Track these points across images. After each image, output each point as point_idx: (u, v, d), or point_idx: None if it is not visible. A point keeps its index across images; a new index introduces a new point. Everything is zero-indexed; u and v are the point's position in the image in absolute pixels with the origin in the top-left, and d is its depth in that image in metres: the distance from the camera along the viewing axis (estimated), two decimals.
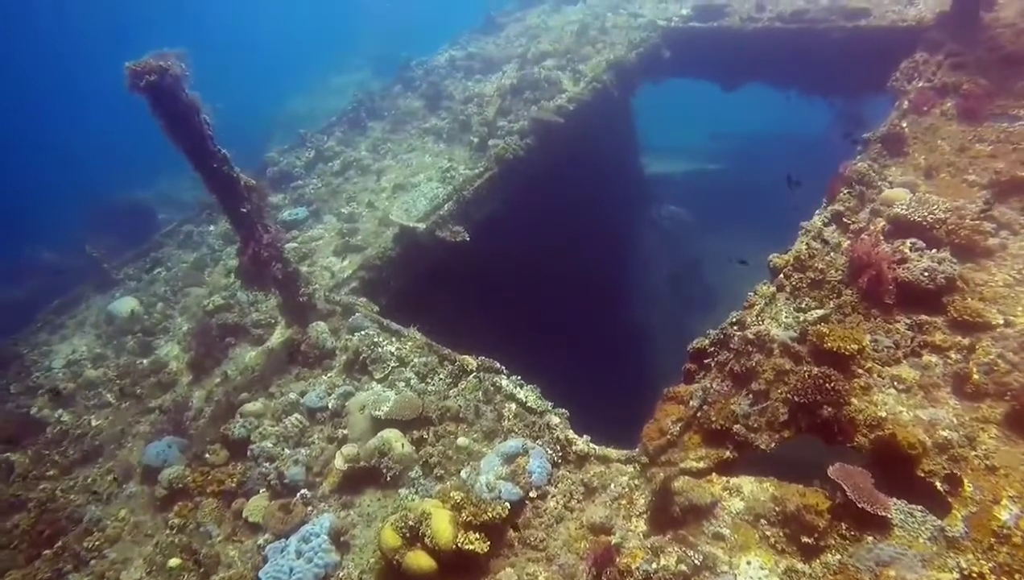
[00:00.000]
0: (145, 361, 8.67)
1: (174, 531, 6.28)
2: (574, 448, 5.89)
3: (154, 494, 6.70)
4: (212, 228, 11.36)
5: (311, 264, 9.48)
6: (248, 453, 6.66)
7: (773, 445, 5.42)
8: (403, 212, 9.75)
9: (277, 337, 8.20)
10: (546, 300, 12.56)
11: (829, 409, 5.26)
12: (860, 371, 5.56)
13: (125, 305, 9.48)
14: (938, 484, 4.56)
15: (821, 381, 5.41)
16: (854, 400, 5.28)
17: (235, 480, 6.44)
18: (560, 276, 12.87)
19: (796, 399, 5.44)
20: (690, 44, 13.31)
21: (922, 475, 4.63)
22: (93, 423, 7.97)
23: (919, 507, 4.44)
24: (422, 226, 9.16)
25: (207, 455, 6.79)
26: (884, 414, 5.12)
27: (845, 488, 4.48)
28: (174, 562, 5.98)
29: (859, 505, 4.38)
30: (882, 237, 6.59)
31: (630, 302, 17.10)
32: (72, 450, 7.63)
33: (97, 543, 6.49)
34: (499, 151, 10.27)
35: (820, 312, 6.27)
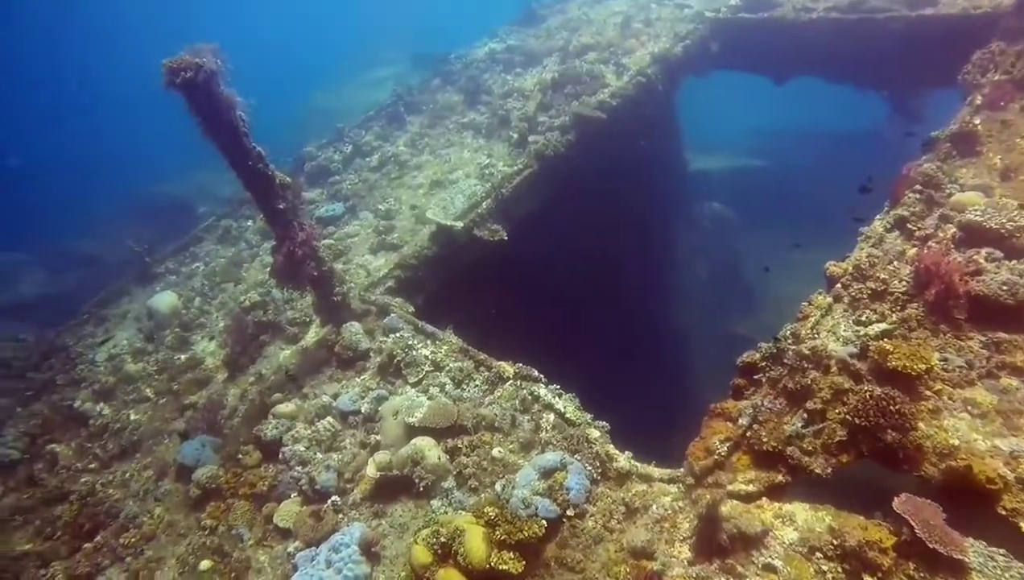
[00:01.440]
0: (182, 357, 8.72)
1: (206, 532, 6.25)
2: (615, 464, 5.61)
3: (188, 493, 6.69)
4: (250, 223, 11.39)
5: (346, 262, 9.39)
6: (280, 455, 6.59)
7: (829, 470, 5.05)
8: (440, 210, 9.57)
9: (311, 336, 8.12)
10: (584, 301, 12.26)
11: (893, 434, 4.86)
12: (928, 393, 5.12)
13: (164, 300, 9.56)
14: (1023, 525, 4.13)
15: (884, 403, 5.00)
16: (921, 425, 4.85)
17: (267, 483, 6.37)
18: (598, 276, 12.55)
19: (856, 421, 5.05)
20: (739, 36, 12.75)
21: (1003, 513, 4.20)
22: (132, 418, 8.04)
23: (1001, 551, 4.02)
24: (459, 225, 8.96)
25: (240, 456, 6.74)
26: (956, 442, 4.68)
27: (914, 524, 4.09)
28: (205, 564, 5.95)
29: (930, 544, 3.98)
30: (952, 245, 6.08)
31: (670, 303, 16.64)
32: (111, 444, 7.72)
33: (133, 540, 6.54)
34: (539, 147, 9.99)
35: (882, 326, 5.83)
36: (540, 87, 11.64)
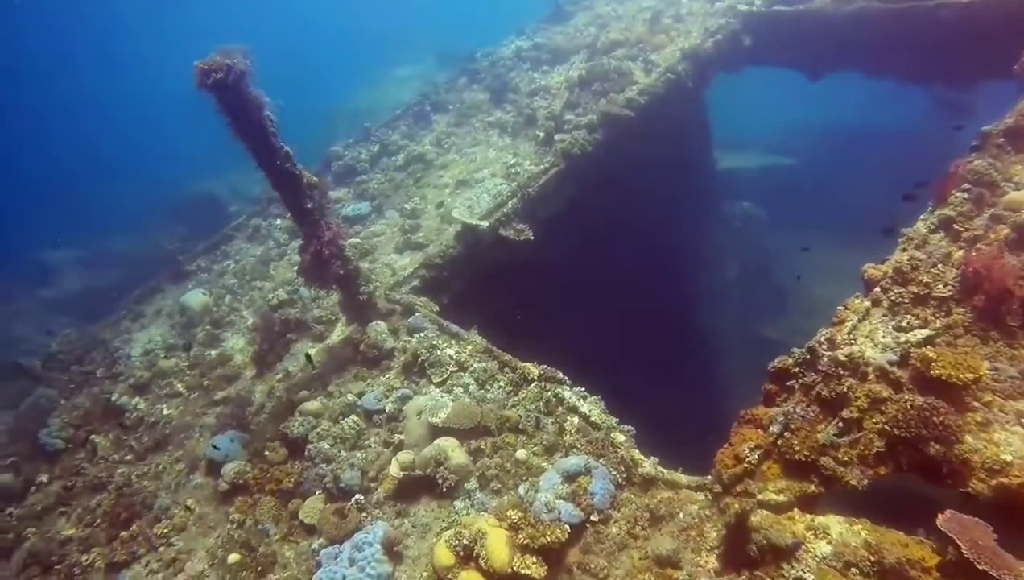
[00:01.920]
0: (213, 353, 8.87)
1: (234, 526, 6.33)
2: (640, 470, 5.50)
3: (217, 487, 6.79)
4: (279, 222, 11.53)
5: (372, 261, 9.43)
6: (305, 452, 6.64)
7: (866, 482, 4.86)
8: (466, 209, 9.53)
9: (337, 334, 8.16)
10: (610, 302, 12.11)
11: (937, 446, 4.65)
12: (976, 404, 4.87)
13: (196, 298, 9.74)
14: None
15: (927, 413, 4.79)
16: (968, 438, 4.62)
17: (292, 480, 6.42)
18: (625, 277, 12.38)
19: (895, 432, 4.86)
20: (773, 30, 12.40)
21: None
22: (165, 412, 8.21)
23: None
24: (485, 224, 8.91)
25: (267, 452, 6.81)
26: (1009, 457, 4.43)
27: (960, 544, 3.89)
28: (234, 558, 6.03)
29: (979, 566, 3.78)
30: (1006, 248, 5.79)
31: (697, 304, 16.35)
32: (146, 437, 7.89)
33: (166, 530, 6.69)
34: (565, 146, 9.87)
35: (925, 333, 5.58)
36: (567, 85, 11.51)
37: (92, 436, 7.95)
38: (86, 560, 6.58)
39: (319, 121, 21.48)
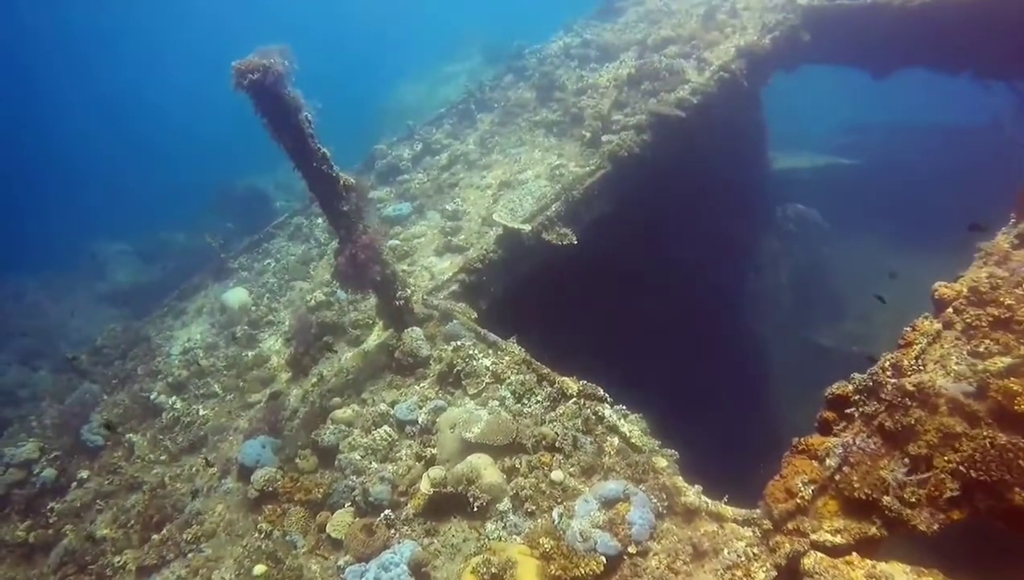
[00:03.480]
0: (250, 354, 8.87)
1: (262, 536, 6.24)
2: (682, 499, 5.13)
3: (247, 494, 6.73)
4: (320, 221, 11.51)
5: (411, 263, 9.27)
6: (336, 463, 6.50)
7: (936, 527, 4.39)
8: (508, 212, 9.26)
9: (373, 339, 8.03)
10: (655, 309, 11.65)
11: (1022, 493, 4.14)
12: None
13: (236, 296, 9.79)
14: None
15: (1011, 454, 4.29)
16: None
17: (321, 491, 6.29)
18: (672, 281, 11.91)
19: (971, 473, 4.37)
20: (835, 25, 11.66)
21: None
22: (201, 413, 8.25)
23: None
24: (527, 228, 8.62)
25: (297, 460, 6.72)
26: None
27: None
28: (259, 569, 5.93)
29: None
30: None
31: (748, 310, 15.67)
32: (181, 438, 7.93)
33: (195, 535, 6.65)
34: (613, 148, 9.48)
35: (1007, 361, 5.01)
36: (615, 83, 11.08)
37: (130, 435, 8.03)
38: (118, 562, 6.61)
39: (368, 117, 21.60)
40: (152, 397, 8.59)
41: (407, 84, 24.83)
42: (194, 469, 7.47)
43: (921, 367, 5.28)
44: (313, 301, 9.00)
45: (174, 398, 8.56)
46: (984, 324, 5.43)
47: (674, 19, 13.27)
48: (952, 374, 5.16)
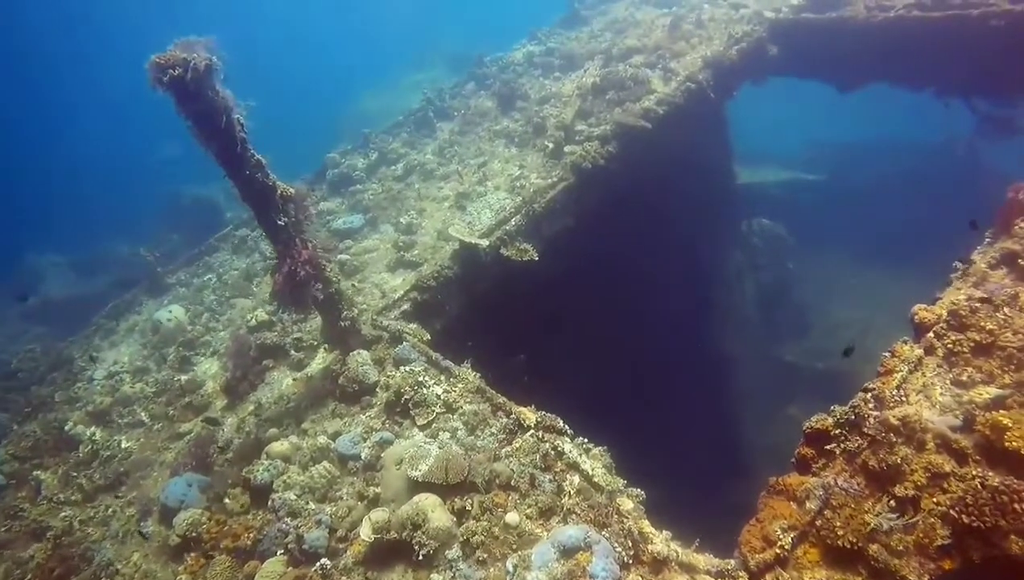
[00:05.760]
0: (183, 378, 8.09)
1: None
2: (650, 547, 4.63)
3: (168, 540, 5.97)
4: None
5: (362, 279, 8.64)
6: (269, 503, 5.82)
7: (927, 578, 4.01)
8: (465, 226, 8.72)
9: (317, 363, 7.38)
10: (620, 327, 11.24)
11: (1019, 542, 3.78)
12: None
13: (170, 315, 8.98)
14: None
15: (1005, 497, 3.93)
16: None
17: (251, 537, 5.59)
18: (637, 299, 11.53)
19: (963, 519, 4.01)
20: (802, 39, 11.56)
21: None
22: (123, 445, 7.42)
23: None
24: (485, 242, 8.10)
25: (227, 500, 6.01)
26: None
27: None
28: None
29: None
30: None
31: (714, 326, 15.43)
32: (99, 475, 7.09)
33: None
34: (576, 159, 9.06)
35: (993, 391, 4.71)
36: (579, 92, 10.69)
37: (37, 472, 7.16)
38: None
39: (325, 126, 20.86)
40: (67, 427, 7.71)
41: (371, 92, 24.20)
42: (110, 510, 6.64)
43: (904, 397, 4.94)
44: (254, 320, 8.28)
45: (93, 428, 7.69)
46: (966, 350, 5.15)
47: (640, 29, 13.02)
48: (937, 406, 4.84)
